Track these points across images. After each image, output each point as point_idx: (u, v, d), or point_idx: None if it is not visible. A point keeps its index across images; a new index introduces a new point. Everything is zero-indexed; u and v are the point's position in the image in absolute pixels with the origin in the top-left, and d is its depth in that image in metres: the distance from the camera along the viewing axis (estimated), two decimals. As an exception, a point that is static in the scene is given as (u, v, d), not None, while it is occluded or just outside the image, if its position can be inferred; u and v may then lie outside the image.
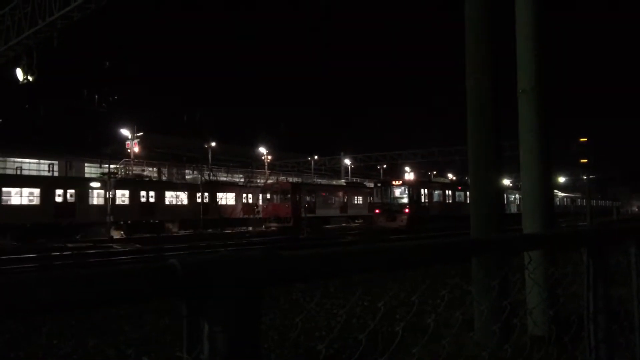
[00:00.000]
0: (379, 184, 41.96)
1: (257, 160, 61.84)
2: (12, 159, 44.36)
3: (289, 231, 36.22)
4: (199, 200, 39.65)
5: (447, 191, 43.38)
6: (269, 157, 60.54)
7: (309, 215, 38.77)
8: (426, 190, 40.80)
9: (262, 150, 60.29)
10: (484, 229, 5.76)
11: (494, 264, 4.22)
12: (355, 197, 49.02)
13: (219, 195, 42.28)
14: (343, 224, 44.96)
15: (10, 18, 22.52)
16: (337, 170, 71.84)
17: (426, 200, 40.22)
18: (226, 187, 44.67)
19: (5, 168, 43.19)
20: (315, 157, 69.44)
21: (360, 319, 6.79)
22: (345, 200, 47.31)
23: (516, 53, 6.47)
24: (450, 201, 42.58)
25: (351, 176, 69.62)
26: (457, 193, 42.54)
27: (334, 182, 59.82)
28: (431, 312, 6.15)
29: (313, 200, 42.85)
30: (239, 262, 0.94)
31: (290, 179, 53.46)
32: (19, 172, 38.86)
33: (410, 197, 38.54)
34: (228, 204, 42.93)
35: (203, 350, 0.91)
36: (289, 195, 40.21)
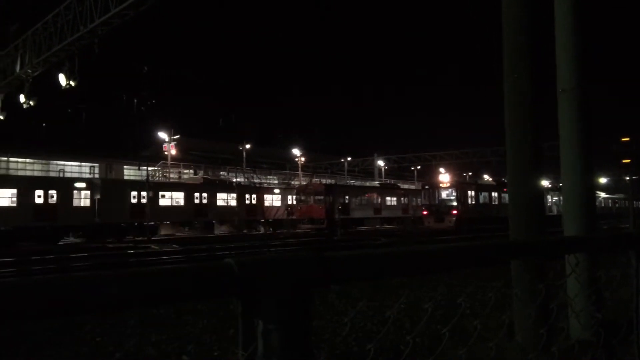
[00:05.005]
0: (426, 186, 42.25)
1: (291, 162, 62.20)
2: (55, 162, 45.85)
3: (323, 232, 36.29)
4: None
5: (493, 193, 43.18)
6: (303, 159, 60.80)
7: (342, 216, 38.78)
8: (473, 192, 40.80)
9: (296, 152, 60.62)
10: (523, 231, 5.66)
11: (537, 267, 4.15)
12: (389, 199, 48.79)
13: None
14: (377, 226, 44.78)
15: (53, 25, 23.29)
16: (370, 172, 71.61)
17: (473, 202, 40.23)
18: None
19: (48, 171, 44.69)
20: (349, 158, 69.41)
21: (396, 321, 6.75)
22: (379, 202, 47.15)
23: (555, 51, 6.33)
24: (497, 202, 42.32)
25: (385, 177, 69.27)
26: (502, 194, 42.12)
27: (368, 184, 59.64)
28: (469, 315, 6.07)
29: (347, 201, 42.85)
30: (291, 263, 0.97)
31: (324, 181, 53.52)
32: (61, 175, 40.10)
33: (457, 198, 38.70)
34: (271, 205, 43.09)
35: (257, 347, 0.94)
36: (322, 197, 40.36)
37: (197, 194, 37.10)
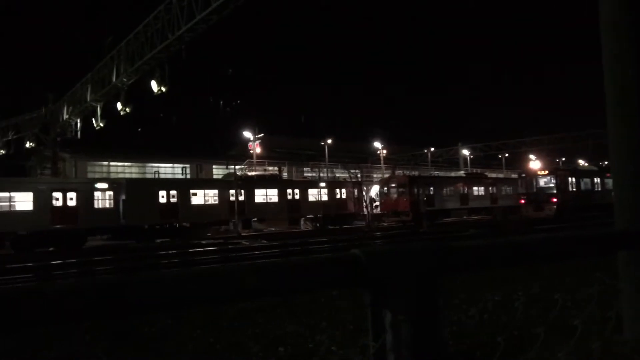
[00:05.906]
0: (523, 174, 41.12)
1: (373, 155, 61.98)
2: (150, 164, 48.67)
3: (408, 225, 35.88)
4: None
5: (595, 178, 40.99)
6: (384, 152, 60.39)
7: (428, 208, 38.11)
8: (574, 179, 39.01)
9: (377, 145, 60.31)
10: (631, 219, 5.28)
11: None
12: (477, 189, 47.26)
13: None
14: (464, 217, 43.60)
15: (144, 35, 24.70)
16: (455, 162, 69.85)
17: (574, 189, 38.46)
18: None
19: (144, 173, 47.55)
20: (432, 149, 68.06)
21: (492, 315, 6.55)
22: (466, 192, 45.79)
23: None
24: (599, 189, 40.13)
25: (470, 167, 67.30)
26: (605, 180, 39.80)
27: (453, 174, 58.19)
28: (570, 307, 5.77)
29: (431, 193, 42.02)
30: (418, 253, 0.96)
31: (407, 173, 52.80)
32: (156, 176, 42.44)
33: (557, 186, 37.22)
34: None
35: (387, 338, 0.94)
36: (406, 189, 39.85)
37: (232, 191, 34.15)
